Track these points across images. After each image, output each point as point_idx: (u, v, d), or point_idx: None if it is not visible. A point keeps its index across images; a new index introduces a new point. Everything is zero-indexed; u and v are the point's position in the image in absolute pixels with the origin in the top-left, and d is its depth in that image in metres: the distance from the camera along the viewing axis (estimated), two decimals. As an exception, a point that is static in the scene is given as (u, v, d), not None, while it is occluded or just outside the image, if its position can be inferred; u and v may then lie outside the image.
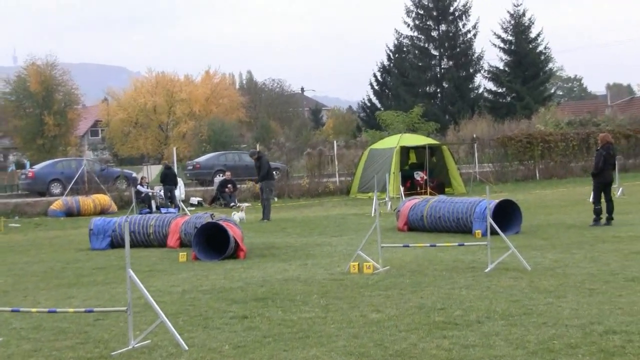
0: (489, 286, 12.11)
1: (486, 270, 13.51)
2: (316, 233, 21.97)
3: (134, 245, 20.00)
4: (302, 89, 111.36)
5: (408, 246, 15.41)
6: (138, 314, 10.63)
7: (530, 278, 12.68)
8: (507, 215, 19.76)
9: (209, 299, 12.14)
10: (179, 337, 9.05)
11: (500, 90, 79.38)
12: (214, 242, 17.37)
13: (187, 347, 8.97)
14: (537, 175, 43.64)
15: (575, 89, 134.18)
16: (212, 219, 18.25)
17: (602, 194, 20.68)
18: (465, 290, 11.90)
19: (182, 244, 19.31)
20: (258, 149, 31.61)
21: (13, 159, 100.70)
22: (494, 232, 18.70)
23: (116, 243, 20.25)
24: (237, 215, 26.09)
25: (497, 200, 19.66)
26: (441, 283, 12.59)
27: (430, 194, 32.27)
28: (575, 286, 11.85)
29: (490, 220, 14.04)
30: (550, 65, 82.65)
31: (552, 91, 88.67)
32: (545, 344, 8.60)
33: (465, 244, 15.16)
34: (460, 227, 19.70)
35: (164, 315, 9.11)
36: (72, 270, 16.55)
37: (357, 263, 14.12)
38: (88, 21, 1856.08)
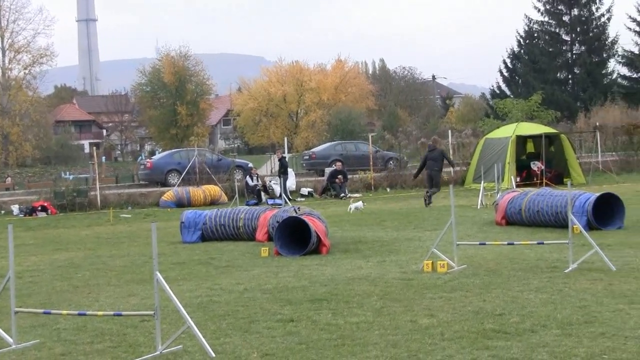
0: (562, 289, 11.31)
1: (566, 271, 12.67)
2: (412, 227, 21.31)
3: (224, 238, 19.96)
4: (433, 77, 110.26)
5: (484, 244, 14.65)
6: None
7: (610, 280, 11.81)
8: (610, 209, 18.74)
9: (266, 299, 11.74)
10: (206, 344, 8.66)
11: (635, 76, 76.12)
12: (298, 237, 16.98)
13: (213, 354, 8.59)
14: (666, 164, 41.60)
15: None
16: (297, 212, 17.86)
17: None
18: (534, 293, 11.14)
19: (270, 238, 18.95)
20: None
21: (148, 148, 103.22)
22: (594, 227, 17.90)
23: (207, 236, 20.10)
24: (353, 205, 27.26)
25: (598, 194, 18.65)
26: (513, 284, 11.85)
27: (547, 184, 31.12)
28: (656, 291, 10.95)
29: (571, 216, 13.12)
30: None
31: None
32: (593, 358, 7.87)
33: (545, 242, 14.27)
34: (559, 222, 18.66)
35: (191, 321, 8.75)
36: (151, 265, 16.37)
37: (432, 261, 13.47)
38: (226, 11, 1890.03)
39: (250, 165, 42.24)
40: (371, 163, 39.98)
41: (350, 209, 27.36)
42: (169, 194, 34.11)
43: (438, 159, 27.98)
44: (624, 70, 77.34)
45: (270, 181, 36.31)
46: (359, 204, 27.72)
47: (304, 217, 17.01)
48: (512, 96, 69.35)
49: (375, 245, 17.60)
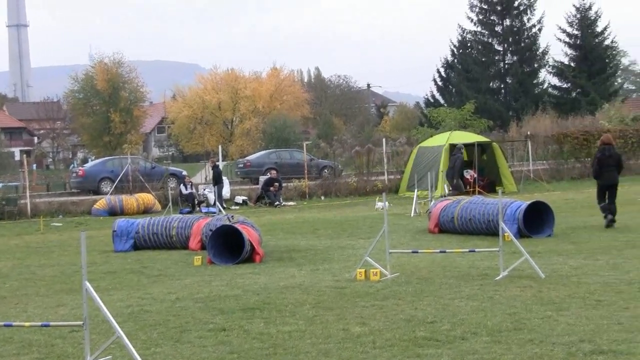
0: (492, 296, 11.43)
1: (496, 279, 12.80)
2: (345, 235, 21.37)
3: (157, 247, 19.80)
4: (368, 85, 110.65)
5: (417, 252, 14.75)
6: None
7: (540, 287, 11.96)
8: (540, 217, 18.99)
9: (198, 308, 11.66)
10: (135, 354, 8.54)
11: (565, 86, 77.75)
12: (231, 245, 16.90)
13: (143, 364, 8.49)
14: (594, 173, 42.12)
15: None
16: (230, 221, 17.79)
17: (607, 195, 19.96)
18: (465, 300, 11.24)
19: (204, 247, 18.82)
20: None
21: (80, 156, 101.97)
22: (524, 235, 18.14)
23: (139, 245, 19.92)
24: (380, 204, 28.38)
25: (528, 202, 18.90)
26: (444, 292, 11.94)
27: (479, 192, 31.43)
28: (583, 297, 11.11)
29: (502, 224, 13.27)
30: (623, 59, 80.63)
31: (619, 86, 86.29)
32: (521, 365, 7.97)
33: (477, 250, 14.43)
34: (491, 230, 18.83)
35: (120, 331, 8.63)
36: (81, 274, 16.18)
37: (364, 270, 13.51)
38: (160, 18, 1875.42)
39: (185, 173, 41.85)
40: (306, 171, 40.03)
41: (377, 208, 28.59)
42: (101, 202, 33.74)
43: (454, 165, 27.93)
44: (555, 80, 78.90)
45: (204, 189, 36.10)
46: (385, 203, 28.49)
47: (237, 226, 16.95)
48: (445, 105, 69.90)
49: (308, 254, 17.61)
